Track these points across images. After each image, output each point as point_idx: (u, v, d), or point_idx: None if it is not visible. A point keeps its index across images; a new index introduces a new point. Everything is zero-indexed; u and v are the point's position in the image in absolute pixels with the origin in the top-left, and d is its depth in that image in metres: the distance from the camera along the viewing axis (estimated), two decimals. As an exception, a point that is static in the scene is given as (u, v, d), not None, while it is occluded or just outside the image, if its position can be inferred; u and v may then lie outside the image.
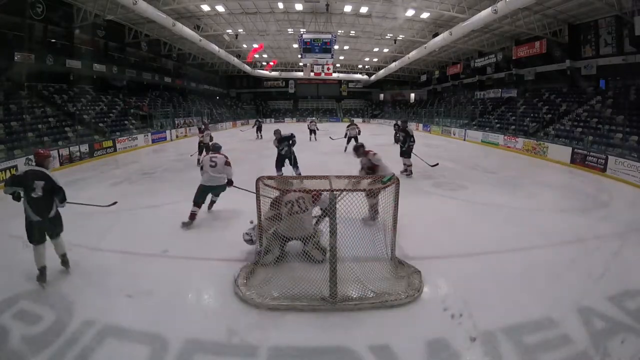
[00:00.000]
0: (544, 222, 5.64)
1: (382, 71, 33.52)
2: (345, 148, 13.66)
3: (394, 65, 29.76)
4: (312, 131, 17.78)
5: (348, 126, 14.64)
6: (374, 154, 5.65)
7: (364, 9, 18.86)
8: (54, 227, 3.77)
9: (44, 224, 3.66)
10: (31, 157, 9.31)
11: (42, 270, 3.65)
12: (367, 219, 4.41)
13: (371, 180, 4.00)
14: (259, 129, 19.99)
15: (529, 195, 7.53)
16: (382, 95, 41.95)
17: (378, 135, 21.48)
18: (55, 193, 3.71)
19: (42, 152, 3.94)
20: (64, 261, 3.93)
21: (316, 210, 4.17)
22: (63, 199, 3.76)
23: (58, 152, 10.81)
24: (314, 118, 21.48)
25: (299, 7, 18.97)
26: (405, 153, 8.73)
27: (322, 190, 3.62)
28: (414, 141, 8.66)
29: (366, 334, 2.90)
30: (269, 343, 2.79)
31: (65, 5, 15.77)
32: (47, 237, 3.72)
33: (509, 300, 3.36)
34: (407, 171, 8.77)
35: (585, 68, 16.57)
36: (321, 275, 3.39)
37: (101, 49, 19.51)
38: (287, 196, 3.93)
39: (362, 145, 5.99)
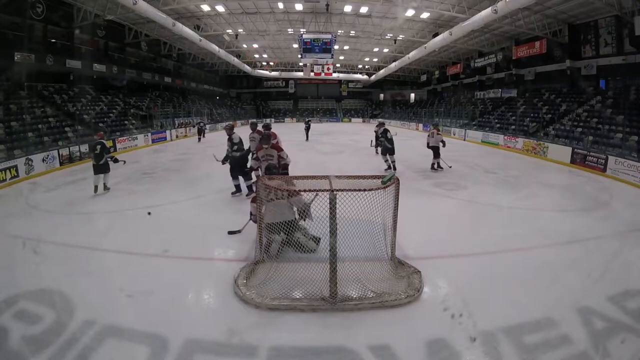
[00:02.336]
0: (544, 222, 5.64)
1: (382, 71, 33.52)
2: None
3: (394, 65, 29.75)
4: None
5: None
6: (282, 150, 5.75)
7: (364, 9, 18.86)
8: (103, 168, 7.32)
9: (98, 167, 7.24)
10: (31, 157, 9.63)
11: (96, 188, 7.23)
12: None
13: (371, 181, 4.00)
14: (200, 132, 19.66)
15: (529, 195, 7.53)
16: (382, 95, 41.97)
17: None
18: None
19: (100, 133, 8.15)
20: (105, 187, 7.43)
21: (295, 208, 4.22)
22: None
23: (58, 152, 10.83)
24: (382, 121, 16.11)
25: (299, 7, 18.97)
26: (390, 150, 9.15)
27: (300, 190, 3.70)
28: (382, 139, 9.19)
29: (366, 334, 2.90)
30: (269, 343, 2.79)
31: (65, 5, 15.77)
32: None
33: (509, 300, 3.36)
34: (391, 167, 9.20)
35: (585, 68, 16.57)
36: (321, 275, 3.39)
37: (101, 49, 19.51)
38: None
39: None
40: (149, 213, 5.85)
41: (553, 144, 12.84)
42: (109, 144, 13.87)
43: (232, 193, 7.01)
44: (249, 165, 6.64)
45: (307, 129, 18.89)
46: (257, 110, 39.59)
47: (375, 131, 11.15)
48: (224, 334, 2.90)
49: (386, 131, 9.21)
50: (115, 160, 7.77)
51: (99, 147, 7.29)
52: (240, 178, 6.92)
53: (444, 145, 9.68)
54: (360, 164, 10.94)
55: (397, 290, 3.42)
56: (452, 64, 28.67)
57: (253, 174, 6.63)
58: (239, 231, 4.90)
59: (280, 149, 5.74)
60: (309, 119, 22.68)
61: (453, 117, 23.16)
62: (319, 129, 26.64)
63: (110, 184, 7.77)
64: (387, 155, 9.32)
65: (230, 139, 6.83)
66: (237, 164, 6.81)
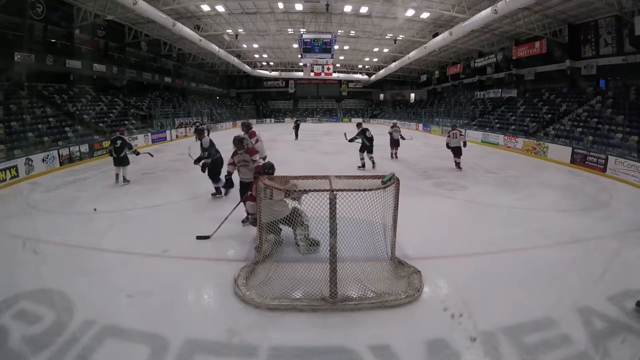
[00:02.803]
0: (544, 222, 5.63)
1: (382, 71, 33.53)
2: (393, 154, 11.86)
3: (394, 65, 29.76)
4: (396, 142, 11.90)
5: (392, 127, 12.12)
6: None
7: (364, 9, 18.87)
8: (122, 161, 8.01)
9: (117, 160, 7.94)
10: (31, 157, 9.63)
11: (117, 177, 8.06)
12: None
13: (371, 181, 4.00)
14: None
15: (529, 195, 7.53)
16: (382, 95, 41.98)
17: (379, 136, 21.45)
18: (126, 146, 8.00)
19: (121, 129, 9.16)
20: (124, 180, 8.04)
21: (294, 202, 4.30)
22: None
23: (58, 152, 10.82)
24: (396, 121, 13.37)
25: (299, 7, 18.98)
26: (368, 149, 9.74)
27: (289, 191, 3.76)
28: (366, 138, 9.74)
29: (366, 334, 2.90)
30: (269, 343, 2.79)
31: (65, 5, 15.78)
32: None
33: (509, 300, 3.36)
34: (364, 165, 9.87)
35: (585, 68, 16.57)
36: (321, 275, 3.39)
37: (101, 49, 19.52)
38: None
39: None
40: (95, 209, 6.06)
41: (553, 144, 12.84)
42: (108, 144, 13.98)
43: (213, 194, 6.90)
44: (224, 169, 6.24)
45: (296, 128, 19.50)
46: (257, 110, 39.63)
47: (389, 132, 11.68)
48: (224, 334, 2.90)
49: (364, 131, 9.77)
50: (137, 153, 8.29)
51: (119, 141, 7.93)
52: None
53: (464, 146, 10.04)
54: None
55: (397, 290, 3.42)
56: (452, 64, 28.67)
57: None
58: (208, 237, 4.76)
59: (254, 152, 5.42)
60: (298, 119, 23.35)
61: (453, 117, 23.14)
62: (319, 129, 26.65)
63: (110, 185, 7.80)
64: (365, 153, 9.86)
65: (201, 144, 6.70)
66: (213, 167, 6.72)
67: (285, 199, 4.21)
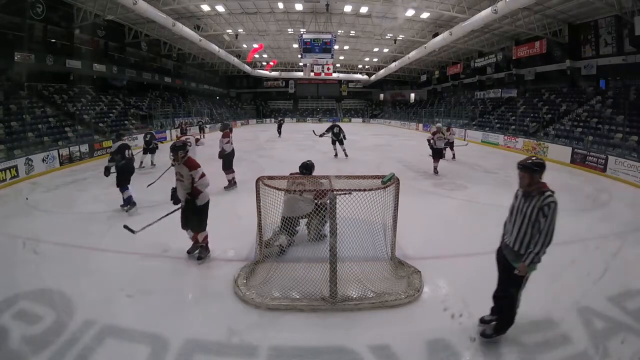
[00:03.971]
0: (544, 222, 5.62)
1: (382, 71, 33.51)
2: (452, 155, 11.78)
3: (394, 65, 29.74)
4: (438, 153, 9.39)
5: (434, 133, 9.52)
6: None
7: (364, 9, 18.86)
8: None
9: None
10: (31, 157, 9.59)
11: (151, 163, 10.52)
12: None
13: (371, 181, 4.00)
14: (201, 130, 19.78)
15: (529, 195, 7.52)
16: (382, 95, 41.96)
17: (379, 136, 21.57)
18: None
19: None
20: (151, 163, 10.24)
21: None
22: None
23: (58, 152, 10.82)
24: (440, 125, 10.83)
25: (299, 7, 18.97)
26: (340, 141, 11.84)
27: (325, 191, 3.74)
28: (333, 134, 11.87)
29: (366, 334, 2.90)
30: (269, 343, 2.79)
31: (65, 5, 15.78)
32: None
33: (509, 300, 3.36)
34: (336, 155, 11.99)
35: (585, 68, 16.57)
36: (321, 275, 3.39)
37: (101, 49, 19.51)
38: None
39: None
40: (27, 198, 6.28)
41: (553, 144, 12.85)
42: (109, 144, 14.00)
43: (121, 206, 6.18)
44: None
45: (279, 126, 21.11)
46: (257, 110, 39.60)
47: (428, 139, 9.70)
48: (224, 334, 2.90)
49: (333, 127, 11.91)
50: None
51: (148, 136, 10.72)
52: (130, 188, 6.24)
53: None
54: (360, 163, 10.95)
55: (397, 290, 3.42)
56: (452, 64, 28.67)
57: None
58: (133, 231, 4.14)
59: (193, 167, 4.03)
60: (281, 118, 25.06)
61: (453, 117, 23.15)
62: (319, 129, 26.60)
63: (110, 184, 7.81)
64: (336, 145, 11.93)
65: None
66: (122, 172, 6.16)
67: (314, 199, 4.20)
